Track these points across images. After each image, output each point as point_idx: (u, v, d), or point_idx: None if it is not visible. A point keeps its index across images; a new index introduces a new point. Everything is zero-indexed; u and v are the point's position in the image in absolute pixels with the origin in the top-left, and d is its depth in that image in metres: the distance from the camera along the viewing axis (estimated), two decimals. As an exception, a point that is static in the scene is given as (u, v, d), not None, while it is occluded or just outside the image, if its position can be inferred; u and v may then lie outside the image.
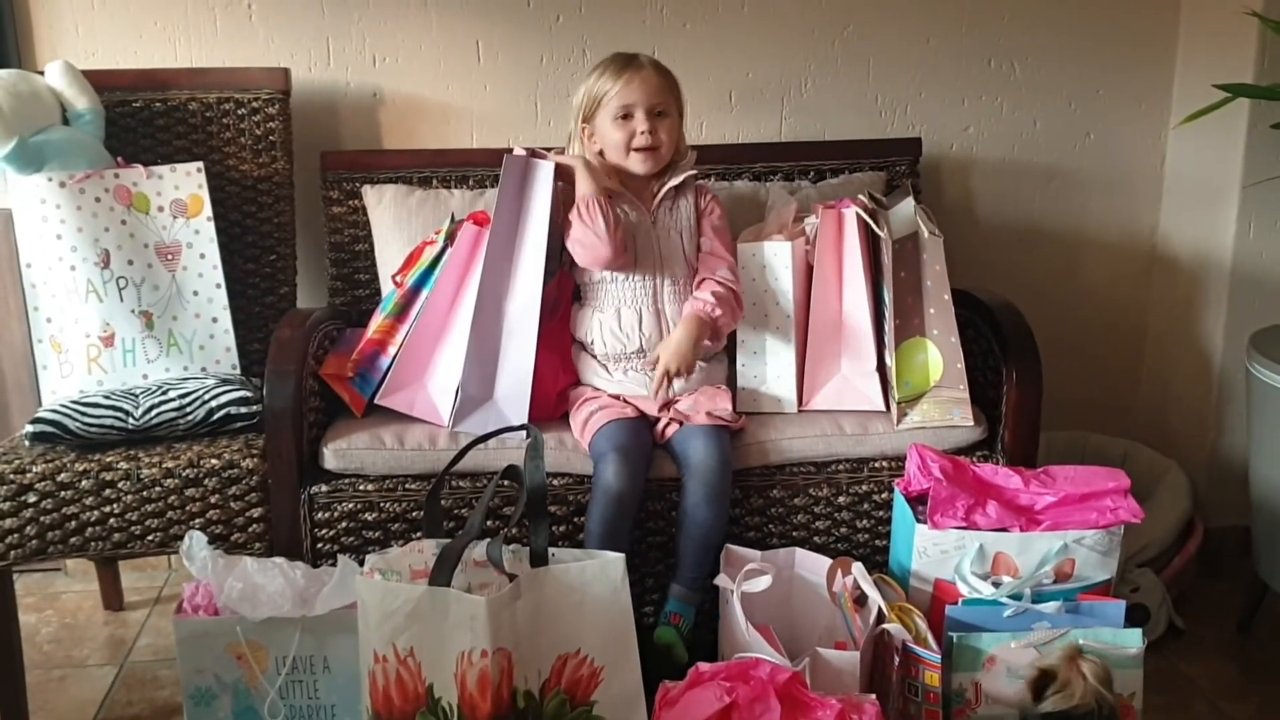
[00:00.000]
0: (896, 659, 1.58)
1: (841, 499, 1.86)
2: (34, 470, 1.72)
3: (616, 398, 1.88)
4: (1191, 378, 2.43)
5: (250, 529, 1.78)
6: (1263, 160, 2.20)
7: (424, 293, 1.89)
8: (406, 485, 1.81)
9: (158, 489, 1.74)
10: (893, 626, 1.58)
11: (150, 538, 1.76)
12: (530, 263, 1.85)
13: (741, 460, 1.82)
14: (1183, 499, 2.24)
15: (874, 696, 1.49)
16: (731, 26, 2.29)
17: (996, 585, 1.63)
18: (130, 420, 1.77)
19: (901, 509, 1.74)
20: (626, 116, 1.85)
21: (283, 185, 2.12)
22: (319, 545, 1.80)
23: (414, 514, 1.80)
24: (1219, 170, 2.30)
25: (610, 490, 1.70)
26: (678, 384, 1.85)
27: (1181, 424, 2.46)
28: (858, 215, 1.90)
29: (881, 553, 1.85)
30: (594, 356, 1.92)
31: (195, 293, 1.97)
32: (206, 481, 1.75)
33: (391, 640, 1.41)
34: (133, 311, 1.91)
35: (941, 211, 2.29)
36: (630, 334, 1.88)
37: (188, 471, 1.74)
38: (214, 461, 1.75)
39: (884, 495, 1.86)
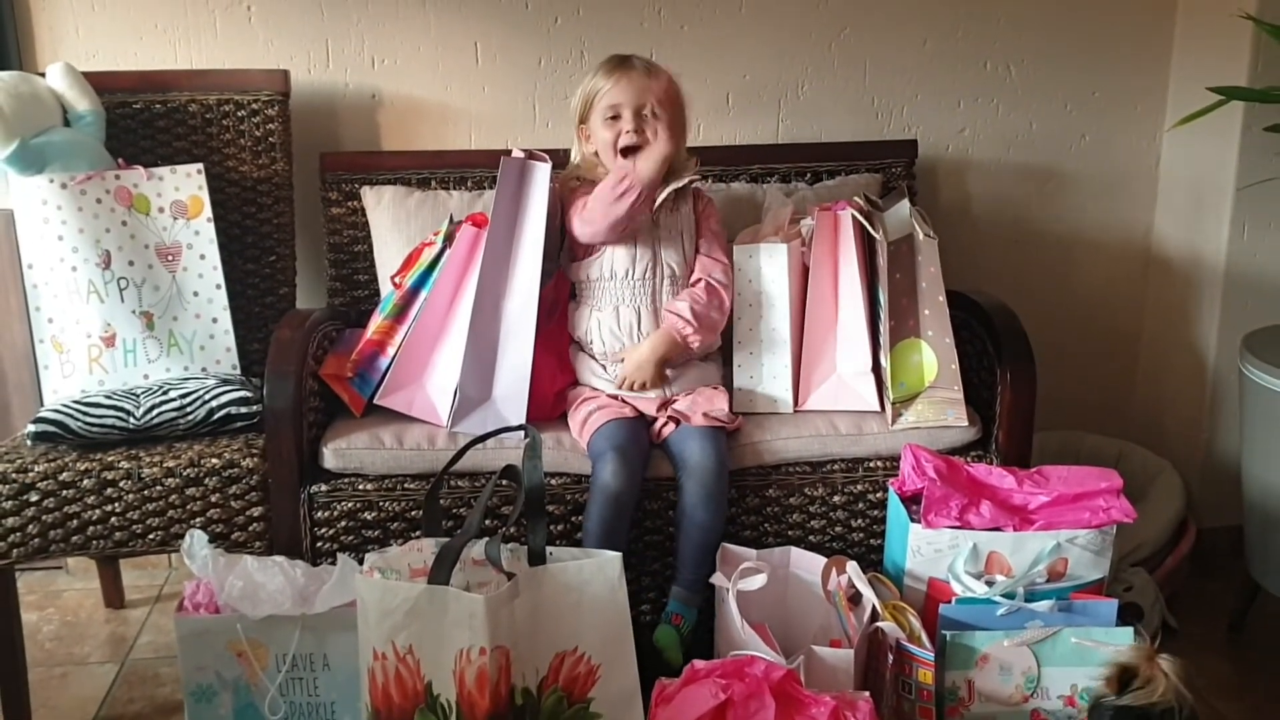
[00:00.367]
0: (890, 657, 1.59)
1: (837, 498, 1.88)
2: (36, 469, 1.73)
3: (615, 398, 1.89)
4: (1186, 379, 2.44)
5: (250, 528, 1.79)
6: (1256, 163, 2.21)
7: (423, 294, 1.90)
8: (405, 485, 1.82)
9: (159, 488, 1.75)
10: (887, 625, 1.59)
11: (151, 536, 1.77)
12: (528, 263, 1.86)
13: (738, 460, 1.84)
14: (1176, 499, 2.25)
15: (868, 694, 1.51)
16: (729, 29, 2.30)
17: (990, 584, 1.64)
18: (131, 420, 1.79)
19: (896, 508, 1.75)
20: (615, 117, 1.86)
21: (282, 186, 2.13)
22: (319, 544, 1.81)
23: (413, 513, 1.81)
24: (1213, 172, 2.31)
25: (608, 489, 1.71)
26: (668, 389, 1.87)
27: (1176, 424, 2.47)
28: (853, 217, 1.92)
29: (876, 552, 1.86)
30: (592, 356, 1.93)
31: (195, 293, 1.98)
32: (207, 481, 1.76)
33: (391, 638, 1.42)
34: (134, 312, 1.92)
35: (937, 213, 2.30)
36: (628, 333, 1.89)
37: (188, 471, 1.76)
38: (214, 461, 1.76)
39: (879, 495, 1.87)
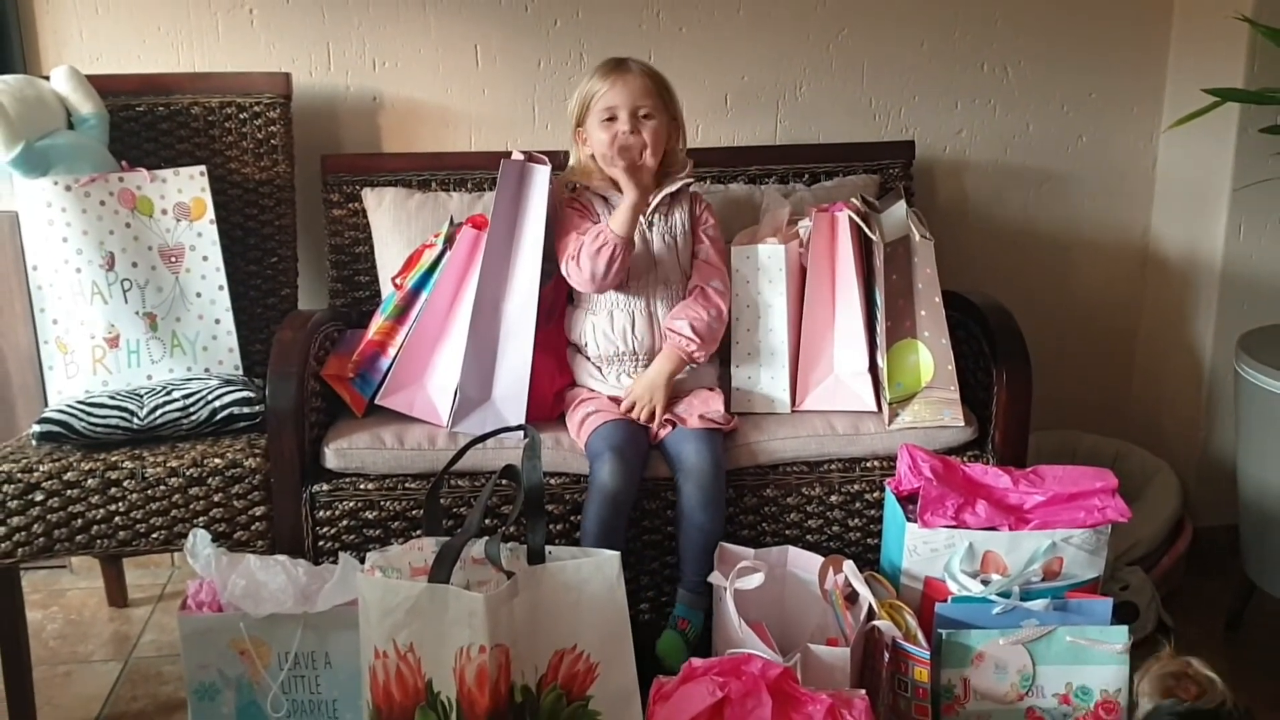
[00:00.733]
0: (886, 655, 1.60)
1: (833, 498, 1.89)
2: (41, 469, 1.75)
3: (612, 399, 1.90)
4: (1182, 379, 2.45)
5: (253, 527, 1.80)
6: (1252, 163, 2.21)
7: (423, 295, 1.91)
8: (406, 484, 1.83)
9: (162, 488, 1.77)
10: (883, 623, 1.60)
11: (155, 536, 1.78)
12: (527, 265, 1.87)
13: (735, 460, 1.85)
14: (1173, 498, 2.26)
15: (864, 692, 1.52)
16: (727, 31, 2.31)
17: (985, 583, 1.65)
18: (135, 420, 1.80)
19: (892, 508, 1.76)
20: (611, 119, 1.87)
21: (284, 188, 2.14)
22: (320, 543, 1.82)
23: (414, 512, 1.82)
24: (1210, 173, 2.32)
25: (606, 489, 1.72)
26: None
27: (1172, 424, 2.48)
28: (850, 218, 1.93)
29: (873, 551, 1.87)
30: (588, 358, 1.95)
31: (198, 294, 1.99)
32: (210, 480, 1.77)
33: (391, 636, 1.43)
34: (137, 313, 1.93)
35: (935, 214, 2.31)
36: (623, 336, 1.90)
37: (191, 471, 1.77)
38: (217, 461, 1.78)
39: (875, 494, 1.88)
